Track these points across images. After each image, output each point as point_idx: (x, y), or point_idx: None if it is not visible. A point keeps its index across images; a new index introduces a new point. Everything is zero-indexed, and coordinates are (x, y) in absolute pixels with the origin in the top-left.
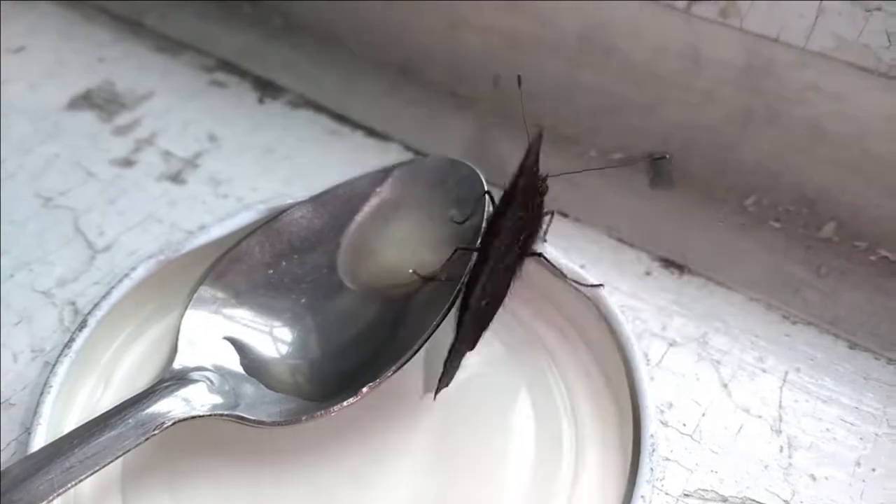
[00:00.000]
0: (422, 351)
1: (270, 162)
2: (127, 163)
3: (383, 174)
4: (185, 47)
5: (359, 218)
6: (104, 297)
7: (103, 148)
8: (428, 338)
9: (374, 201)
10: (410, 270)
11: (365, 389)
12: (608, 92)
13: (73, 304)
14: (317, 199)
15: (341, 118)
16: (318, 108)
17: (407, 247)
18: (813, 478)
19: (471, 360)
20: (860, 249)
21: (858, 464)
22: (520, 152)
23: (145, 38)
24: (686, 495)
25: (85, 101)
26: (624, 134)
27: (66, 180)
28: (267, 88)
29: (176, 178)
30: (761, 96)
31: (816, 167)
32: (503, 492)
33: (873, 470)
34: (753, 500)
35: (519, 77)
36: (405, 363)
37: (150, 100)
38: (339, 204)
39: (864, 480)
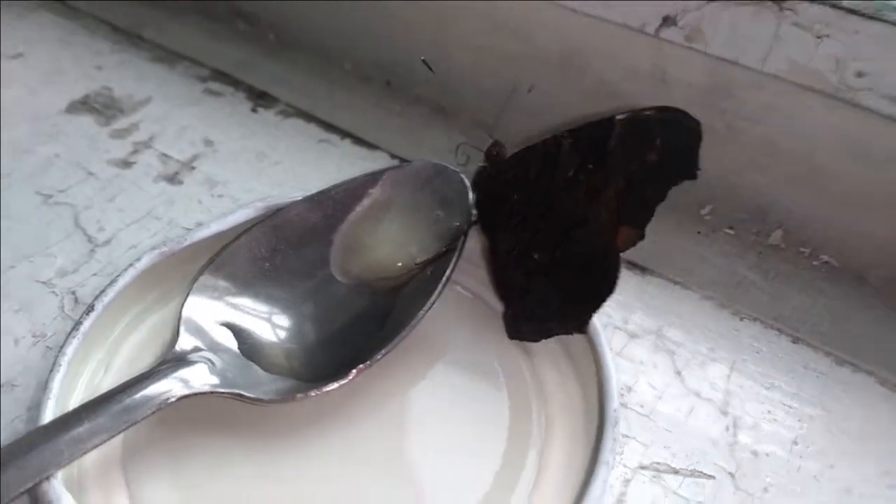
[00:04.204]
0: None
1: (263, 166)
2: (125, 164)
3: (374, 177)
4: (182, 58)
5: (351, 217)
6: (111, 283)
7: (102, 149)
8: (413, 327)
9: (365, 202)
10: (406, 262)
11: (354, 372)
12: (583, 109)
13: (74, 293)
14: (311, 199)
15: (331, 127)
16: (309, 117)
17: (396, 244)
18: (755, 454)
19: (449, 348)
20: (805, 255)
21: (796, 442)
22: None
23: (143, 49)
24: (642, 468)
25: (83, 105)
26: None
27: (65, 179)
28: (260, 98)
29: (173, 178)
30: (722, 115)
31: (769, 180)
32: (480, 462)
33: (808, 448)
34: (702, 473)
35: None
36: (392, 348)
37: (148, 106)
38: (332, 203)
39: (801, 457)
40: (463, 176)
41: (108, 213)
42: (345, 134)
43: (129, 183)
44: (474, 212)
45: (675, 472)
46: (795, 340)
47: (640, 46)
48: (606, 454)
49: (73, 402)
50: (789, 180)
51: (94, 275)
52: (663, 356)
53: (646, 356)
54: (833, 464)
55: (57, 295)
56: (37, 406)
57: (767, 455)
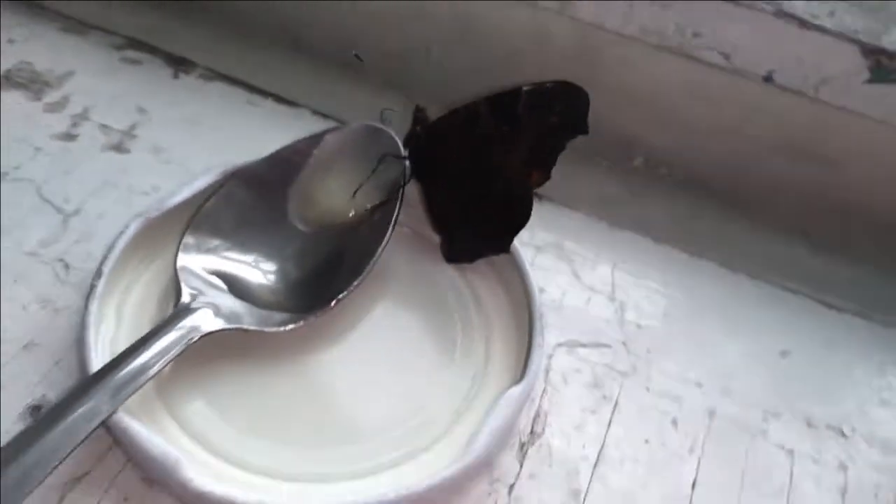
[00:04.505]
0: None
1: (200, 131)
2: (69, 136)
3: (317, 138)
4: (91, 27)
5: (302, 174)
6: (109, 249)
7: (42, 124)
8: (375, 261)
9: (312, 160)
10: (357, 209)
11: (335, 301)
12: (473, 66)
13: (62, 260)
14: (265, 160)
15: (253, 88)
16: (231, 80)
17: (345, 195)
18: (638, 326)
19: (400, 275)
20: (660, 175)
21: (667, 315)
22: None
23: (50, 20)
24: (559, 345)
25: (8, 81)
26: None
27: (15, 156)
28: (179, 64)
29: (119, 148)
30: (590, 68)
31: (630, 118)
32: (441, 358)
33: (676, 318)
34: (602, 343)
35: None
36: (362, 280)
37: (72, 78)
38: (283, 163)
39: (671, 325)
40: (395, 136)
41: (68, 186)
42: (266, 94)
43: (79, 155)
44: (407, 164)
45: (583, 345)
46: (657, 241)
47: (522, 12)
48: (538, 338)
49: (102, 352)
50: (645, 117)
51: (77, 242)
52: (563, 263)
53: (551, 264)
54: (693, 328)
55: (47, 264)
56: (63, 360)
57: (648, 326)
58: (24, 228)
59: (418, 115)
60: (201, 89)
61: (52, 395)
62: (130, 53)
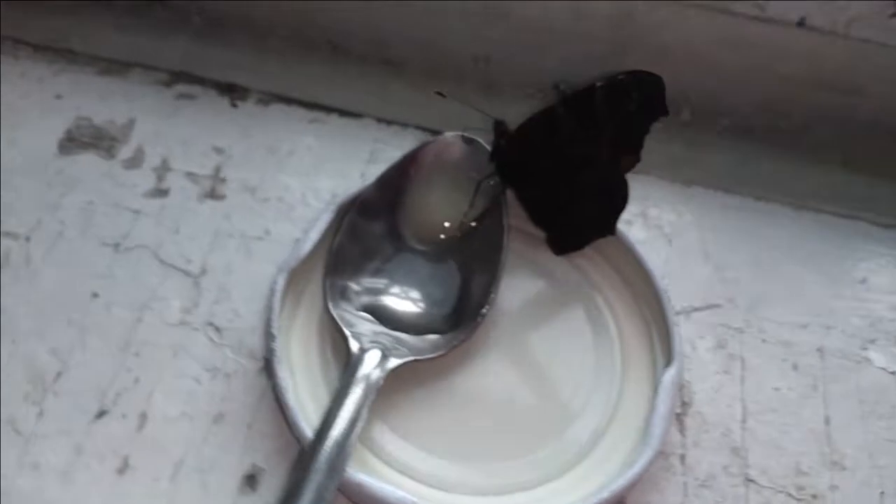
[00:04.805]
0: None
1: (280, 159)
2: (161, 193)
3: (412, 156)
4: (128, 66)
5: (407, 194)
6: (268, 308)
7: (128, 184)
8: (503, 267)
9: (413, 179)
10: (467, 218)
11: (482, 313)
12: (513, 41)
13: (211, 324)
14: (372, 187)
15: (312, 105)
16: (286, 100)
17: (450, 206)
18: (737, 280)
19: (522, 276)
20: (708, 125)
21: (756, 263)
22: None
23: (83, 64)
24: (677, 313)
25: (73, 143)
26: (528, 72)
27: (117, 223)
28: (231, 92)
29: (213, 194)
30: (628, 31)
31: (670, 74)
32: (582, 358)
33: (766, 266)
34: (713, 304)
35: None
36: (497, 289)
37: (136, 127)
38: (389, 186)
39: (763, 273)
40: (481, 140)
41: (182, 245)
42: (326, 109)
43: (179, 210)
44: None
45: (697, 309)
46: (727, 192)
47: None
48: (672, 316)
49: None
50: (683, 73)
51: (216, 302)
52: (654, 231)
53: (643, 234)
54: (781, 271)
55: (197, 330)
56: (255, 424)
57: (744, 279)
58: (160, 299)
59: (499, 128)
60: (263, 115)
61: (261, 462)
62: (181, 88)
